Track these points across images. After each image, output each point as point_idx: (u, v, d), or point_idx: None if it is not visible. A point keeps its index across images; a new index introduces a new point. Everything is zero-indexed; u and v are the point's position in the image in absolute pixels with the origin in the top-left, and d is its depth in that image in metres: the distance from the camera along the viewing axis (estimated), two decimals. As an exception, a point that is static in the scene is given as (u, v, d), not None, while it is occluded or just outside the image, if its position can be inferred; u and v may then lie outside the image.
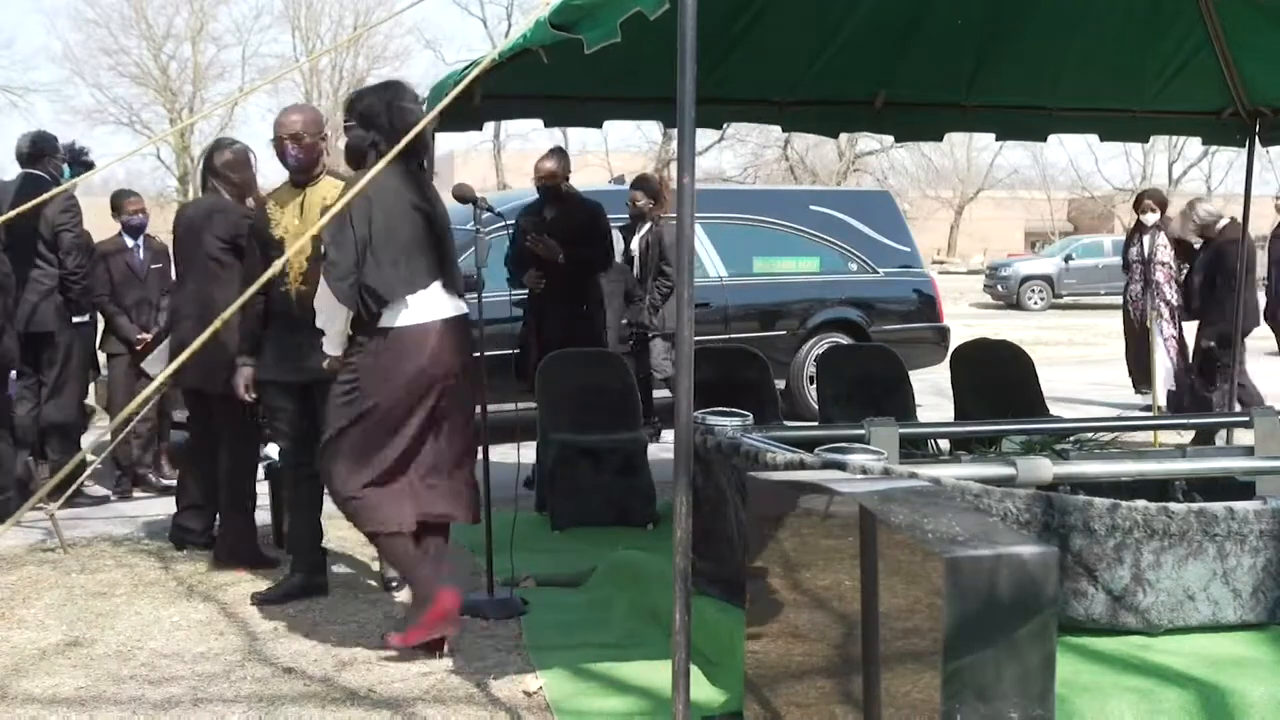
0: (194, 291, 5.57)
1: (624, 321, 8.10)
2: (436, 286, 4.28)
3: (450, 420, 4.30)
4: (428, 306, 4.23)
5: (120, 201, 7.50)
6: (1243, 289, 7.81)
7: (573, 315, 6.82)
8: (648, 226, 8.24)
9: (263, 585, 5.14)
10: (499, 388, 6.08)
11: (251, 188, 5.76)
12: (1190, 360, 8.75)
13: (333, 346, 4.29)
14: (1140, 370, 10.05)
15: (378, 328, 4.19)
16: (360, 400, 4.17)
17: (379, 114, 4.29)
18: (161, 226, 8.45)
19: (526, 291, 6.89)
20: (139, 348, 7.26)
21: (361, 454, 4.20)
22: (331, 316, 4.23)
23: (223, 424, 5.49)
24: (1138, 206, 10.03)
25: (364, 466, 4.20)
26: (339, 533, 5.35)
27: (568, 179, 7.05)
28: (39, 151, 6.79)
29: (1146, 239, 9.62)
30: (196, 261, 5.59)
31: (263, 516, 5.70)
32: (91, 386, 7.66)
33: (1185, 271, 9.21)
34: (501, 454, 5.80)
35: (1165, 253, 9.35)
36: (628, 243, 8.36)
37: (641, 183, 8.48)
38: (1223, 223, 8.56)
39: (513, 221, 6.82)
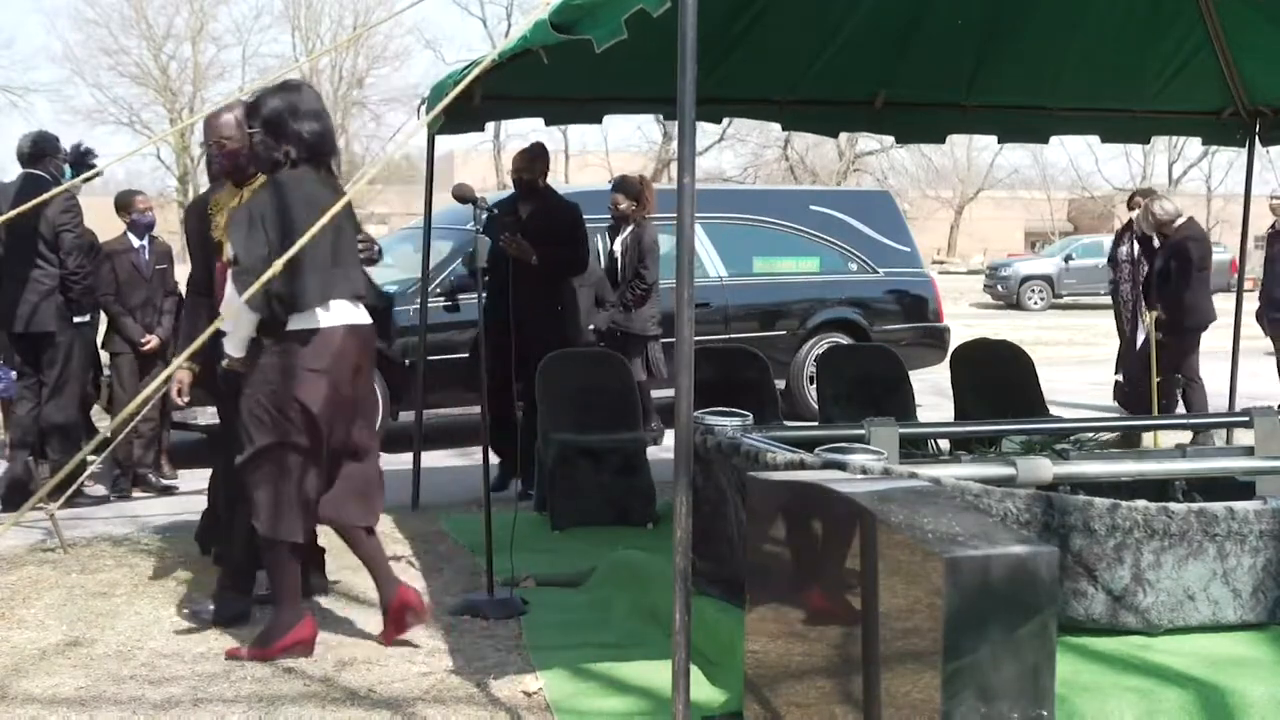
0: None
1: (590, 328, 7.73)
2: (344, 295, 4.22)
3: (354, 423, 4.28)
4: (334, 312, 4.19)
5: (129, 200, 7.49)
6: (1241, 286, 7.81)
7: (547, 316, 6.65)
8: (630, 229, 8.08)
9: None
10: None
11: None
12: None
13: (235, 348, 4.22)
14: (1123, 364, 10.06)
15: (285, 331, 4.13)
16: (277, 416, 4.12)
17: (285, 122, 4.19)
18: (163, 226, 8.46)
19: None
20: (143, 348, 7.27)
21: (281, 464, 4.17)
22: (238, 322, 4.14)
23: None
24: (1129, 206, 10.04)
25: (282, 475, 4.18)
26: (339, 533, 5.34)
27: (545, 175, 6.93)
28: (40, 152, 6.77)
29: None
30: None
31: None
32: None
33: (1146, 267, 9.26)
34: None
35: None
36: (611, 245, 8.24)
37: (623, 185, 8.17)
38: (1180, 220, 8.58)
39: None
